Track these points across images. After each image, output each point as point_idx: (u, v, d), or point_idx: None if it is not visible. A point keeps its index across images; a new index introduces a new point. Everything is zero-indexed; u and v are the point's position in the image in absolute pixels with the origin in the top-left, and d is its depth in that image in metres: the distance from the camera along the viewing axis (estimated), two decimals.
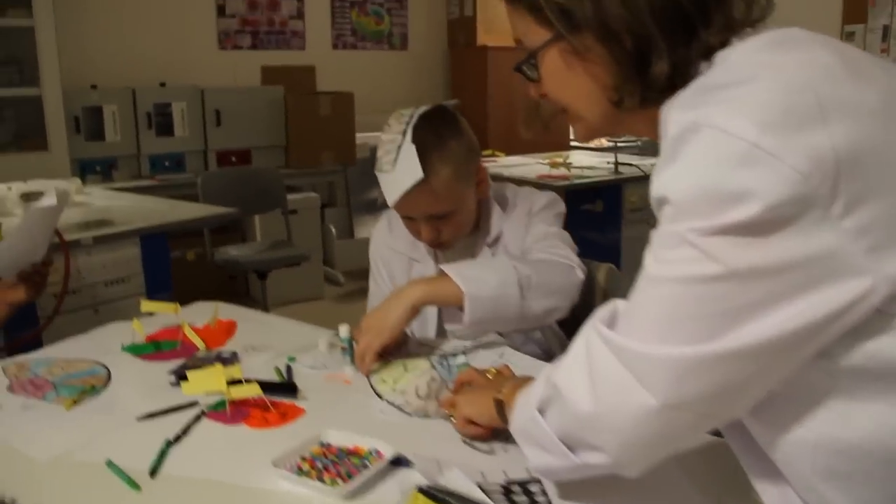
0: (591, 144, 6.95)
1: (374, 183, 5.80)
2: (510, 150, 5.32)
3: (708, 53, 0.86)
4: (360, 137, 5.51)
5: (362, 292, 5.61)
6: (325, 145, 5.31)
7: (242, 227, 5.09)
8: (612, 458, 0.89)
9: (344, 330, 1.52)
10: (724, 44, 0.86)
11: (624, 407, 0.83)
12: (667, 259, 0.78)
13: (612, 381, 0.84)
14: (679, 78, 0.85)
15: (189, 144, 5.03)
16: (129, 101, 4.84)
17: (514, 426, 1.06)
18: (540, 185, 3.93)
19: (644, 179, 4.47)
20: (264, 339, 1.71)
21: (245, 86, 5.44)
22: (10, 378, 1.55)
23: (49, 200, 1.68)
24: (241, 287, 5.15)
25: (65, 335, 1.81)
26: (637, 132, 0.99)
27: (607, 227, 4.30)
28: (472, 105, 6.07)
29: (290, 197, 4.73)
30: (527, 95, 1.03)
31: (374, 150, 5.82)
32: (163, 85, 5.03)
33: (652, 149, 5.77)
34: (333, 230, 5.53)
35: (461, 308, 1.46)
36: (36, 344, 2.03)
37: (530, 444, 1.01)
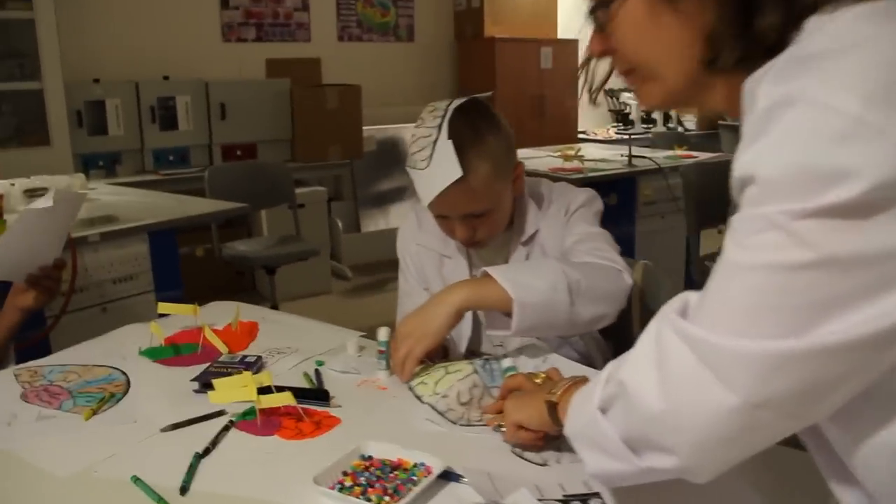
0: (601, 136, 6.88)
1: (381, 176, 5.70)
2: (519, 144, 5.21)
3: (800, 17, 0.77)
4: (366, 131, 5.42)
5: (370, 287, 5.55)
6: (332, 139, 5.21)
7: (248, 222, 5.01)
8: (682, 460, 0.80)
9: (384, 333, 1.44)
10: (814, 7, 0.77)
11: (698, 405, 0.75)
12: (751, 244, 0.70)
13: (686, 377, 0.76)
14: (778, 38, 0.76)
15: (193, 138, 4.94)
16: (133, 94, 4.76)
17: (570, 428, 0.97)
18: (555, 178, 3.85)
19: (657, 172, 4.40)
20: (288, 342, 1.63)
21: (250, 79, 5.35)
22: (22, 385, 1.47)
23: (45, 202, 1.58)
24: (247, 282, 5.07)
25: (73, 334, 1.74)
26: (713, 104, 0.88)
27: (622, 220, 4.22)
28: None
29: (297, 191, 4.64)
30: (588, 51, 0.92)
31: (380, 144, 5.74)
32: (166, 78, 4.95)
33: (664, 142, 5.68)
34: (340, 224, 5.45)
35: (506, 313, 1.38)
36: (44, 345, 1.95)
37: (588, 446, 0.92)
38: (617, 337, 1.70)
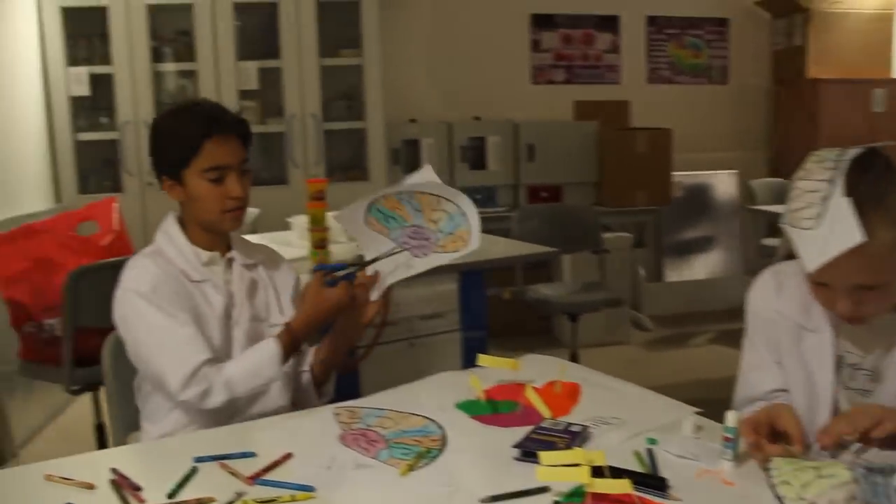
0: None
1: (687, 224, 5.38)
2: None
3: None
4: (674, 176, 5.19)
5: (672, 340, 5.24)
6: (639, 184, 5.03)
7: (549, 265, 4.94)
8: None
9: (732, 418, 1.24)
10: None
11: None
12: None
13: None
14: None
15: (501, 178, 5.00)
16: (445, 134, 4.91)
17: None
18: None
19: None
20: (613, 410, 1.47)
21: (558, 120, 5.33)
22: (341, 426, 1.44)
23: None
24: (542, 325, 4.98)
25: (381, 366, 1.75)
26: None
27: None
28: (801, 145, 5.51)
29: (602, 236, 4.51)
30: None
31: (688, 190, 5.42)
32: (477, 119, 5.05)
33: None
34: (643, 272, 5.23)
35: None
36: (353, 374, 1.96)
37: None
38: None
